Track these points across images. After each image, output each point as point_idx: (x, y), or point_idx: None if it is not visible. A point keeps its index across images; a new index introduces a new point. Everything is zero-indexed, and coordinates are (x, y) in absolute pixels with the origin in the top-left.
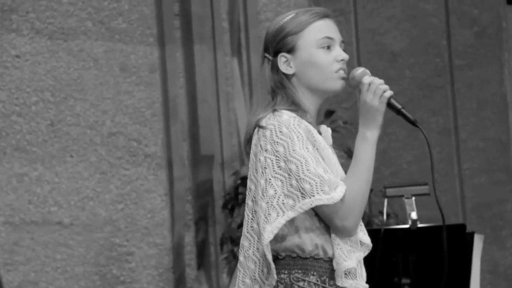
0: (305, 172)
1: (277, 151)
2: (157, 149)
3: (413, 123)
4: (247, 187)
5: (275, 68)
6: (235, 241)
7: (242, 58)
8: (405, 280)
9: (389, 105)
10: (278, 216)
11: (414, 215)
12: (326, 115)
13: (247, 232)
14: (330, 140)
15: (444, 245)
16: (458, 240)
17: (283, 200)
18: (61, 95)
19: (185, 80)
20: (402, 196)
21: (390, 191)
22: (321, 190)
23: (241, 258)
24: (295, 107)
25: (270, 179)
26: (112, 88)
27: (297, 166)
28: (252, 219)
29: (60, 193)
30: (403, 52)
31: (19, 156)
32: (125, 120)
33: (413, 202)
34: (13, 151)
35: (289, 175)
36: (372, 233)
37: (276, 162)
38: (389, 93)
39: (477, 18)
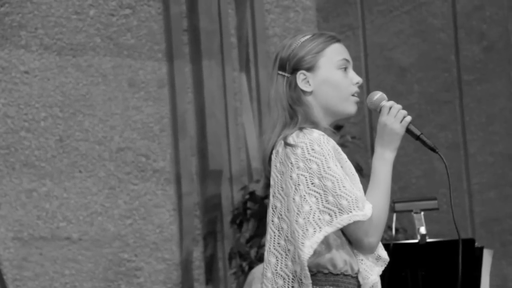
0: (341, 188)
1: (310, 168)
2: (166, 164)
3: (433, 149)
4: (271, 204)
5: (292, 85)
6: (244, 256)
7: (250, 73)
8: None
9: (408, 130)
10: (315, 231)
11: (423, 229)
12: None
13: (274, 249)
14: None
15: (459, 261)
16: (467, 255)
17: (319, 216)
18: (70, 111)
19: (194, 95)
20: (411, 211)
21: (399, 206)
22: (357, 207)
23: (268, 274)
24: (314, 125)
25: (304, 195)
26: (120, 104)
27: (333, 183)
28: (279, 236)
29: (68, 209)
30: (411, 67)
31: (28, 171)
32: (134, 135)
33: (422, 216)
34: (22, 166)
35: (324, 191)
36: None
37: (310, 179)
38: (409, 118)
39: (486, 33)
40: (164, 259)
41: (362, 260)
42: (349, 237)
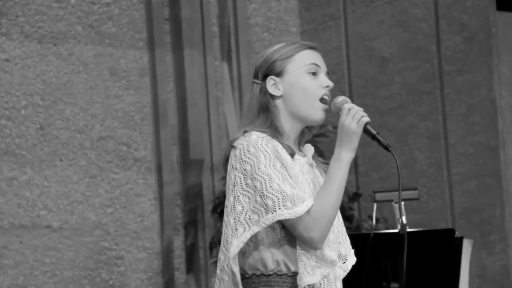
0: (268, 189)
1: (245, 169)
2: (147, 153)
3: (386, 148)
4: (225, 203)
5: (263, 91)
6: None
7: (232, 62)
8: (394, 285)
9: (365, 130)
10: (244, 231)
11: (403, 219)
12: None
13: (223, 246)
14: (311, 159)
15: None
16: (447, 245)
17: (249, 216)
18: (51, 99)
19: (175, 84)
20: (391, 200)
21: (379, 196)
22: (283, 206)
23: (218, 271)
24: (272, 129)
25: (238, 195)
26: (101, 92)
27: (261, 183)
28: (226, 233)
29: (49, 197)
30: (392, 57)
31: (8, 160)
32: (115, 124)
33: (402, 206)
34: (2, 155)
35: (254, 192)
36: (361, 237)
37: (244, 179)
38: (366, 118)
39: (467, 24)
40: (145, 248)
41: (302, 260)
42: (292, 232)
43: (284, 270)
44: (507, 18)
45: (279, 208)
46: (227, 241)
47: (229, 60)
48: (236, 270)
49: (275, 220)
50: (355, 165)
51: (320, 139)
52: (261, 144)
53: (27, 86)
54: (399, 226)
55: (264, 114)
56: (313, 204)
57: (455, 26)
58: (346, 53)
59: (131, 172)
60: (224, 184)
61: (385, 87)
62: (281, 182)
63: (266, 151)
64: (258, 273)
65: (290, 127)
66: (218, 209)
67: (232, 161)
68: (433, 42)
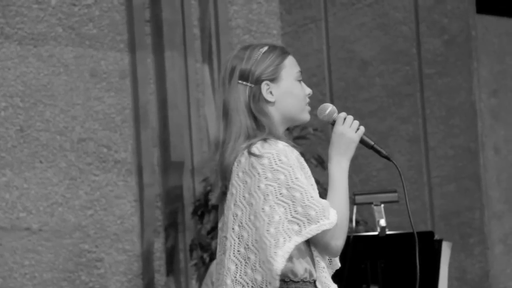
0: (309, 199)
1: (278, 178)
2: (127, 155)
3: (387, 158)
4: (232, 212)
5: (257, 96)
6: (205, 248)
7: (213, 64)
8: (374, 287)
9: (362, 140)
10: (285, 241)
11: (383, 222)
12: None
13: (234, 256)
14: None
15: (416, 256)
16: (426, 248)
17: (287, 226)
18: (31, 101)
19: (156, 86)
20: (371, 203)
21: (359, 198)
22: (323, 216)
23: (228, 281)
24: (276, 136)
25: (273, 205)
26: (82, 94)
27: (301, 194)
28: (239, 244)
29: (29, 199)
30: (373, 60)
31: None
32: (95, 126)
33: (382, 209)
34: None
35: (293, 202)
36: None
37: (278, 189)
38: (363, 128)
39: (447, 27)
40: (125, 250)
41: (324, 268)
42: (317, 242)
43: (308, 277)
44: (487, 22)
45: (321, 219)
46: (239, 251)
47: (210, 62)
48: (278, 280)
49: (319, 231)
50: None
51: (301, 141)
52: (290, 153)
53: (7, 88)
54: (378, 229)
55: (262, 119)
56: (336, 212)
57: (435, 29)
58: (327, 56)
59: (111, 174)
60: (205, 187)
61: (366, 90)
62: (315, 192)
63: (294, 160)
64: (287, 279)
65: (280, 129)
66: (199, 211)
67: (258, 169)
68: (413, 45)
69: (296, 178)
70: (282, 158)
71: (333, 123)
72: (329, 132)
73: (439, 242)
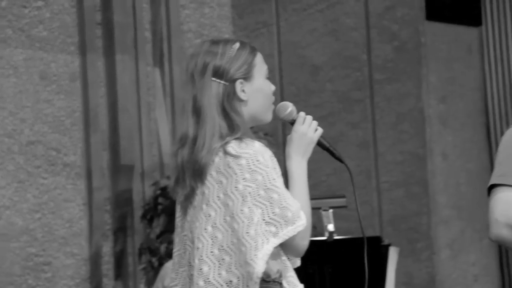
0: (286, 200)
1: (256, 179)
2: (77, 158)
3: (340, 159)
4: (204, 212)
5: (231, 94)
6: (153, 252)
7: (164, 68)
8: None
9: (318, 142)
10: (263, 243)
11: (331, 227)
12: None
13: (207, 257)
14: None
15: (365, 261)
16: (373, 253)
17: (265, 228)
18: None
19: (106, 89)
20: (320, 208)
21: None
22: (298, 217)
23: (200, 282)
24: (247, 134)
25: (251, 207)
26: (31, 97)
27: (279, 195)
28: (212, 245)
29: None
30: (324, 65)
31: None
32: (45, 128)
33: (330, 214)
34: None
35: (270, 203)
36: None
37: (256, 190)
38: (321, 129)
39: (397, 33)
40: (73, 254)
41: (290, 267)
42: (288, 243)
43: (278, 277)
44: (436, 28)
45: (297, 220)
46: (212, 252)
47: (161, 66)
48: (258, 282)
49: (296, 232)
50: (285, 171)
51: None
52: (265, 153)
53: None
54: (326, 234)
55: (236, 118)
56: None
57: (386, 36)
58: (278, 61)
59: (60, 177)
60: (154, 190)
61: (317, 95)
62: (289, 193)
63: (269, 160)
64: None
65: (248, 129)
66: (148, 215)
67: (235, 170)
68: (364, 51)
69: (273, 179)
70: (259, 158)
71: (292, 122)
72: (280, 137)
73: (386, 247)
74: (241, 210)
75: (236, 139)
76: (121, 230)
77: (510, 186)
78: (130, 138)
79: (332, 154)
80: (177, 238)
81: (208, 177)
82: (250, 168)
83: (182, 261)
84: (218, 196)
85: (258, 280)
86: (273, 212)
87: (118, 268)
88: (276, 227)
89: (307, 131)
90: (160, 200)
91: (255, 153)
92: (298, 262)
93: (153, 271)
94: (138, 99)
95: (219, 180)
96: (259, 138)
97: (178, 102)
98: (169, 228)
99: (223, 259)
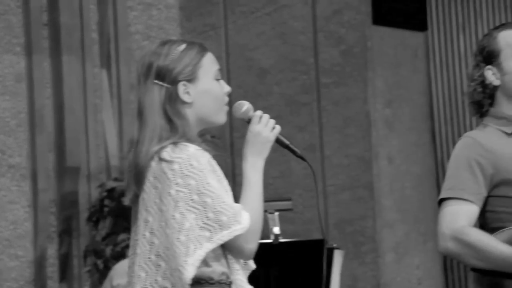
0: (221, 204)
1: (189, 184)
2: (22, 159)
3: (301, 157)
4: (144, 218)
5: (173, 96)
6: (99, 254)
7: (111, 69)
8: None
9: (278, 140)
10: (196, 248)
11: (276, 230)
12: None
13: (144, 263)
14: None
15: (324, 264)
16: (318, 255)
17: (199, 233)
18: None
19: (53, 90)
20: (266, 211)
21: None
22: (235, 221)
23: None
24: (190, 139)
25: (184, 212)
26: None
27: (212, 199)
28: (149, 250)
29: None
30: (271, 68)
31: None
32: None
33: (276, 217)
34: None
35: (204, 208)
36: None
37: (189, 195)
38: (278, 127)
39: (344, 37)
40: (17, 256)
41: (238, 270)
42: (230, 246)
43: (225, 279)
44: (383, 33)
45: (233, 224)
46: (149, 258)
47: (108, 67)
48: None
49: (231, 236)
50: (232, 174)
51: None
52: (201, 157)
53: None
54: (272, 236)
55: (178, 121)
56: (249, 216)
57: (333, 39)
58: (226, 63)
59: (4, 178)
60: (100, 192)
61: (264, 98)
62: (227, 196)
63: (206, 164)
64: (203, 281)
65: (194, 131)
66: (94, 218)
67: (168, 175)
68: (311, 55)
69: (207, 183)
70: (193, 163)
71: (248, 121)
72: (227, 140)
73: (331, 250)
74: (173, 216)
75: (172, 143)
76: (66, 232)
77: (458, 199)
78: (76, 140)
79: (293, 152)
80: (131, 242)
81: (146, 182)
82: (183, 173)
83: None
84: (155, 202)
85: (187, 287)
86: (207, 217)
87: (63, 270)
88: (211, 232)
89: (261, 130)
90: (106, 202)
91: (188, 157)
92: (252, 265)
93: (98, 273)
94: (85, 101)
95: (155, 186)
96: (206, 141)
97: (125, 104)
98: (115, 230)
99: (159, 265)
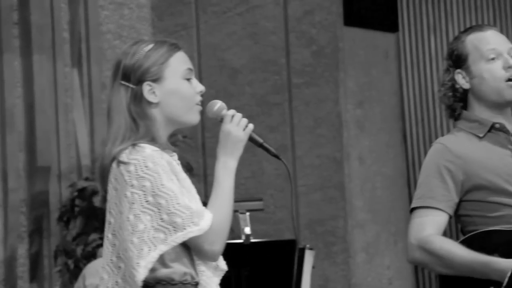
0: (175, 205)
1: (144, 186)
2: None
3: (276, 156)
4: (106, 220)
5: (138, 97)
6: (69, 254)
7: (82, 69)
8: None
9: (251, 138)
10: (150, 250)
11: (247, 230)
12: None
13: (107, 265)
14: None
15: (295, 264)
16: (289, 255)
17: (153, 235)
18: None
19: (23, 90)
20: (237, 211)
21: None
22: (192, 222)
23: None
24: (148, 138)
25: (138, 214)
26: None
27: (166, 200)
28: (111, 252)
29: None
30: (243, 68)
31: None
32: None
33: (247, 217)
34: None
35: (158, 209)
36: None
37: (144, 197)
38: (251, 126)
39: (315, 38)
40: None
41: (203, 271)
42: (192, 247)
43: (189, 279)
44: (354, 34)
45: (189, 226)
46: (111, 260)
47: (79, 67)
48: None
49: (186, 238)
50: (204, 175)
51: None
52: (157, 158)
53: None
54: (243, 237)
55: (141, 122)
56: (212, 217)
57: (304, 40)
58: (198, 63)
59: None
60: (71, 192)
61: (236, 98)
62: (184, 197)
63: (163, 165)
64: (164, 282)
65: (164, 132)
66: (65, 217)
67: (125, 177)
68: (282, 55)
69: (162, 184)
70: (148, 164)
71: (221, 120)
72: (199, 140)
73: (302, 250)
74: (127, 218)
75: (132, 145)
76: (36, 232)
77: (427, 207)
78: (47, 139)
79: (267, 150)
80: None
81: (109, 183)
82: (138, 175)
83: None
84: (115, 203)
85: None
86: (161, 219)
87: (34, 270)
88: (165, 234)
89: (233, 129)
90: (77, 202)
91: (144, 159)
92: (223, 267)
93: (69, 273)
94: (56, 100)
95: (115, 187)
96: (177, 141)
97: (96, 103)
98: (86, 230)
99: (119, 267)
